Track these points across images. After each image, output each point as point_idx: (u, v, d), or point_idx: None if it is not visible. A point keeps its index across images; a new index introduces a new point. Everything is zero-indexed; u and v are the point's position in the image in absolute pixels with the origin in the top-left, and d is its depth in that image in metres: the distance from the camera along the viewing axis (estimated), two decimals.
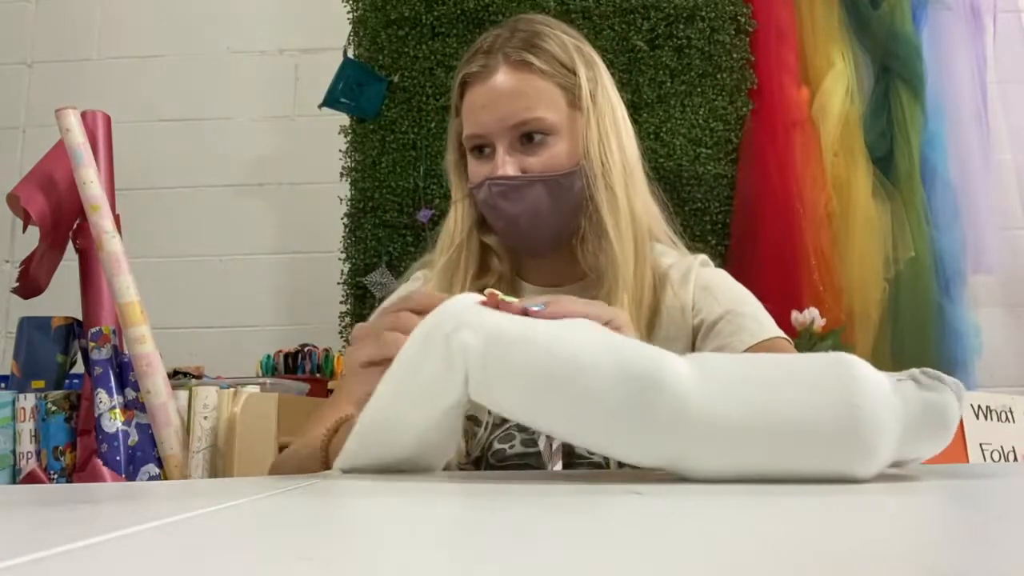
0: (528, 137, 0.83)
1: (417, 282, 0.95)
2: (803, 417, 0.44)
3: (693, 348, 0.85)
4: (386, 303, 0.95)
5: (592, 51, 0.89)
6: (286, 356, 1.76)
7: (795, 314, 1.55)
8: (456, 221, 0.90)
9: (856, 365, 0.45)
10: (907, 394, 0.45)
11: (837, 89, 1.87)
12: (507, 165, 0.83)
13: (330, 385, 1.67)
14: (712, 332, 0.84)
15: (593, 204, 0.83)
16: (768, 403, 0.44)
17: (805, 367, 0.46)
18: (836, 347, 1.48)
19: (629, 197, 0.85)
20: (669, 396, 0.44)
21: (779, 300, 1.67)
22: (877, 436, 0.43)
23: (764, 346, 0.81)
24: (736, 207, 1.78)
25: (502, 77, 0.83)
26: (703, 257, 0.92)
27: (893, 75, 1.89)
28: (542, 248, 0.87)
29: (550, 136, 0.83)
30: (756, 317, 0.84)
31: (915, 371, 0.47)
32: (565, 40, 0.87)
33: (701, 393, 0.44)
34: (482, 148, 0.85)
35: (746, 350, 0.80)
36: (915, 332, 1.76)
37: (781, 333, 0.84)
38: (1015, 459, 1.50)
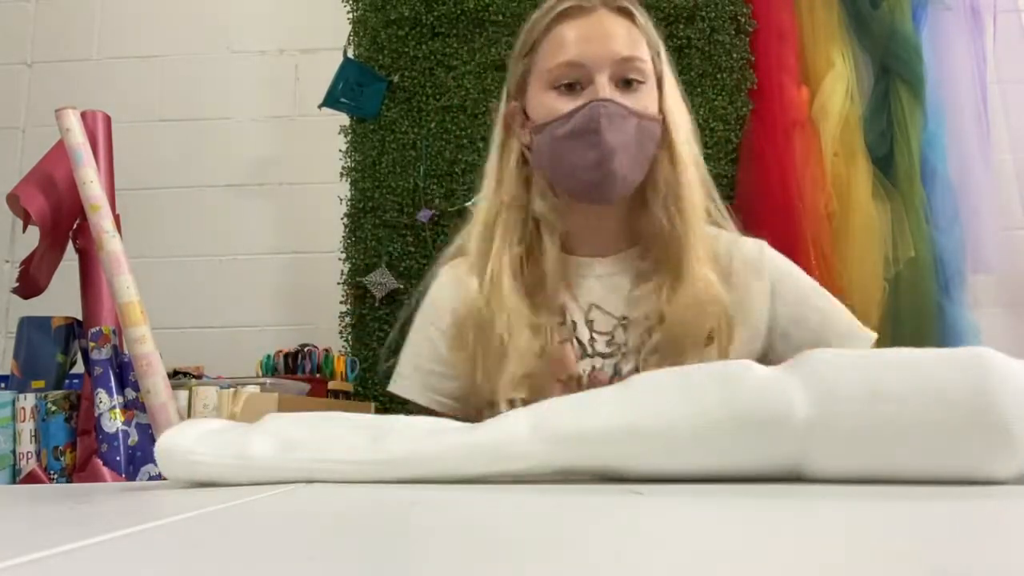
0: (626, 82, 0.83)
1: (449, 287, 0.92)
2: (932, 420, 0.41)
3: (771, 326, 0.88)
4: (426, 311, 0.93)
5: None
6: (286, 356, 1.76)
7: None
8: (491, 193, 0.89)
9: (990, 355, 0.42)
10: None
11: (837, 89, 1.87)
12: (608, 92, 0.81)
13: (331, 386, 1.67)
14: (797, 322, 0.88)
15: (668, 165, 0.85)
16: (897, 416, 0.41)
17: (932, 374, 0.42)
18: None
19: (699, 161, 0.88)
20: (789, 431, 0.43)
21: None
22: (1014, 427, 0.40)
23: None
24: (736, 207, 1.78)
25: (604, 16, 0.84)
26: (761, 241, 0.93)
27: (893, 75, 1.89)
28: (617, 192, 0.84)
29: (644, 84, 0.84)
30: (838, 310, 0.93)
31: None
32: (643, 10, 0.90)
33: (822, 419, 0.42)
34: (572, 84, 0.83)
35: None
36: (915, 332, 1.76)
37: (857, 324, 0.94)
38: None
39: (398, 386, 0.92)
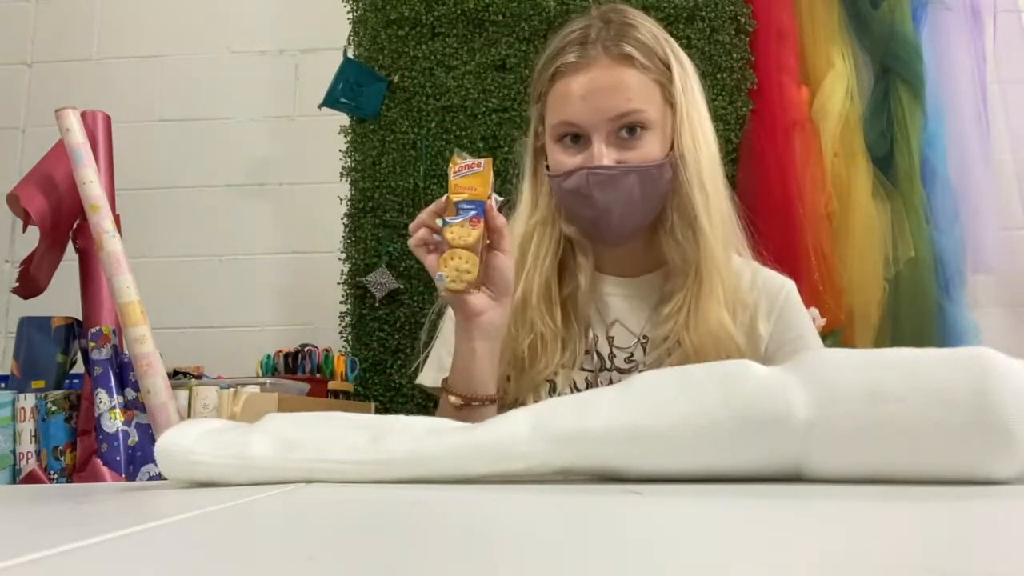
0: (628, 130, 0.84)
1: None
2: (932, 419, 0.41)
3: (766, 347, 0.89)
4: (442, 330, 0.97)
5: (677, 45, 0.90)
6: (286, 356, 1.76)
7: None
8: (528, 211, 0.92)
9: (990, 355, 0.42)
10: None
11: (837, 89, 1.87)
12: (604, 156, 0.83)
13: (331, 386, 1.67)
14: (781, 349, 0.87)
15: (685, 196, 0.85)
16: (897, 416, 0.41)
17: (933, 374, 0.42)
18: (836, 347, 1.48)
19: (717, 190, 0.87)
20: (789, 431, 0.43)
21: None
22: (1014, 426, 0.40)
23: None
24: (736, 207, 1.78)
25: (602, 69, 0.84)
26: (791, 281, 0.94)
27: (893, 75, 1.89)
28: (624, 238, 0.88)
29: (647, 131, 0.85)
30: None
31: None
32: (656, 32, 0.88)
33: (822, 419, 0.42)
34: (575, 137, 0.86)
35: None
36: (915, 332, 1.76)
37: None
38: None
39: (427, 378, 0.95)
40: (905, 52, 1.88)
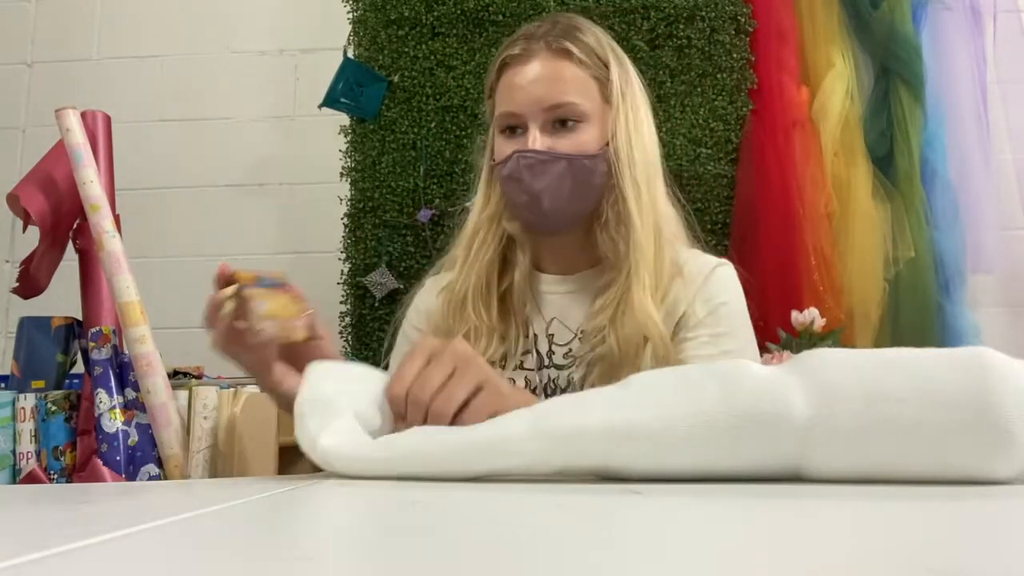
0: (561, 122, 0.88)
1: (428, 293, 1.00)
2: (932, 419, 0.41)
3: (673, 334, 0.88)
4: (409, 315, 1.00)
5: (623, 53, 0.95)
6: None
7: (795, 314, 1.55)
8: (480, 206, 0.96)
9: (990, 355, 0.42)
10: None
11: (837, 89, 1.87)
12: (537, 141, 0.87)
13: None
14: (690, 328, 0.87)
15: (618, 192, 0.88)
16: (897, 417, 0.41)
17: (933, 374, 0.42)
18: (836, 347, 1.48)
19: (651, 190, 0.89)
20: (788, 431, 0.43)
21: (779, 300, 1.67)
22: (1014, 426, 0.40)
23: None
24: (736, 207, 1.78)
25: (541, 61, 0.88)
26: (727, 263, 0.94)
27: (893, 75, 1.89)
28: (559, 226, 0.91)
29: (581, 123, 0.88)
30: (736, 338, 0.88)
31: None
32: (600, 36, 0.93)
33: (821, 418, 0.43)
34: (514, 128, 0.90)
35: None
36: (915, 332, 1.75)
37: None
38: None
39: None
40: (905, 52, 1.87)
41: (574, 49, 0.89)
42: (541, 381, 0.92)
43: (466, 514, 0.36)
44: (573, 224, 0.91)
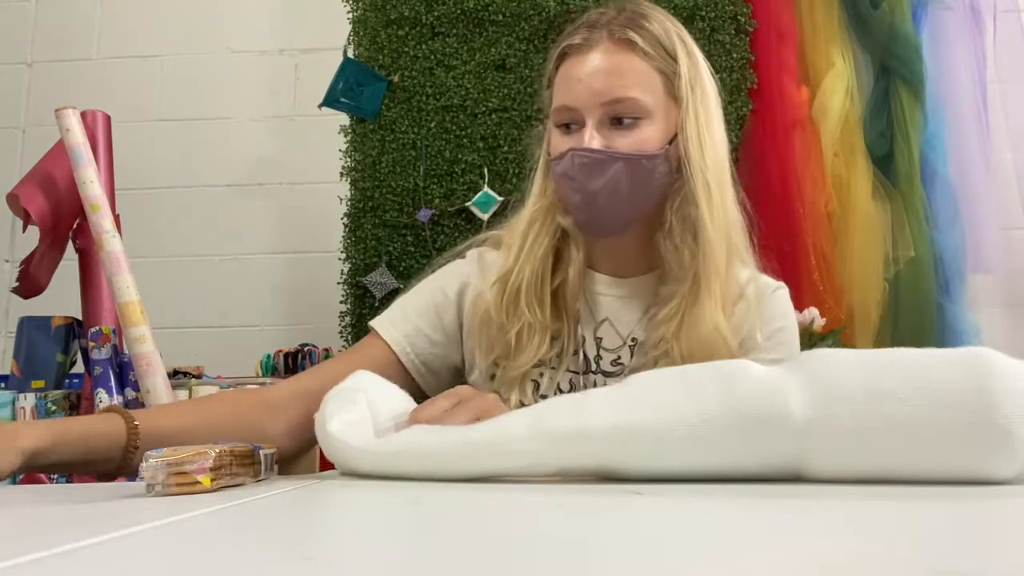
0: (620, 118, 0.82)
1: (474, 269, 0.92)
2: (932, 419, 0.41)
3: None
4: (434, 278, 0.92)
5: (694, 43, 0.88)
6: (286, 356, 1.76)
7: (795, 314, 1.55)
8: (537, 196, 0.90)
9: (990, 355, 0.42)
10: None
11: (837, 89, 1.87)
12: (594, 139, 0.82)
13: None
14: (748, 351, 0.84)
15: (686, 198, 0.83)
16: (896, 417, 0.41)
17: (932, 374, 0.42)
18: (836, 347, 1.48)
19: (723, 195, 0.84)
20: (787, 431, 0.43)
21: None
22: (1014, 426, 0.40)
23: None
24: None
25: (603, 52, 0.83)
26: (783, 286, 0.92)
27: (893, 75, 1.89)
28: (614, 229, 0.86)
29: (642, 120, 0.82)
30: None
31: None
32: (669, 26, 0.86)
33: (821, 418, 0.43)
34: (570, 123, 0.84)
35: None
36: (915, 332, 1.76)
37: None
38: None
39: (381, 324, 0.90)
40: (905, 52, 1.88)
41: (638, 40, 0.82)
42: (586, 386, 0.87)
43: (466, 514, 0.36)
44: (629, 228, 0.86)
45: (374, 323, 0.90)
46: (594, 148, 0.81)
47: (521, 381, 0.86)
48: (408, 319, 0.89)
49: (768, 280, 0.90)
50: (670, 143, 0.84)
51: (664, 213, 0.85)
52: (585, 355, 0.88)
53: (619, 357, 0.88)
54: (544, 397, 0.86)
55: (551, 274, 0.88)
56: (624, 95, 0.82)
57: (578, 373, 0.88)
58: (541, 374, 0.87)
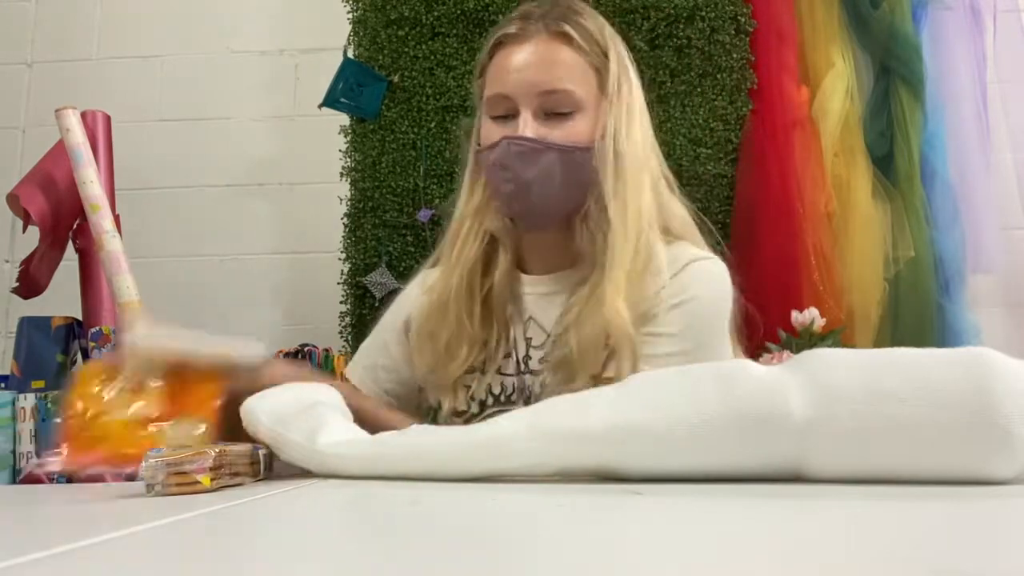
0: (556, 109, 0.83)
1: (416, 288, 0.97)
2: (932, 419, 0.41)
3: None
4: (390, 313, 0.99)
5: (622, 42, 0.90)
6: (286, 356, 1.76)
7: (795, 314, 1.55)
8: (465, 197, 0.91)
9: (990, 355, 0.42)
10: None
11: (837, 89, 1.87)
12: (528, 128, 0.82)
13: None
14: (652, 323, 0.81)
15: (602, 187, 0.83)
16: (896, 416, 0.41)
17: (932, 374, 0.42)
18: (836, 347, 1.48)
19: (638, 188, 0.84)
20: (787, 431, 0.43)
21: (779, 300, 1.67)
22: (1014, 426, 0.39)
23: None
24: (736, 207, 1.78)
25: (538, 43, 0.83)
26: (710, 257, 0.88)
27: (893, 75, 1.89)
28: (544, 221, 0.86)
29: (575, 112, 0.83)
30: (697, 337, 0.81)
31: None
32: (602, 24, 0.88)
33: (821, 418, 0.42)
34: (504, 113, 0.85)
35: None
36: (915, 332, 1.75)
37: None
38: None
39: (350, 371, 0.99)
40: (905, 52, 1.88)
41: (574, 33, 0.83)
42: (518, 387, 0.87)
43: (466, 514, 0.36)
44: (557, 219, 0.86)
45: (345, 371, 1.01)
46: (529, 137, 0.82)
47: (454, 388, 0.88)
48: (367, 359, 0.98)
49: (688, 252, 0.87)
50: (602, 137, 0.84)
51: (586, 201, 0.85)
52: (516, 356, 0.89)
53: (545, 354, 0.87)
54: (480, 402, 0.88)
55: (482, 279, 0.89)
56: (559, 86, 0.82)
57: (512, 375, 0.88)
58: (473, 377, 0.88)
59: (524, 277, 0.92)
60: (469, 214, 0.90)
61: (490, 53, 0.88)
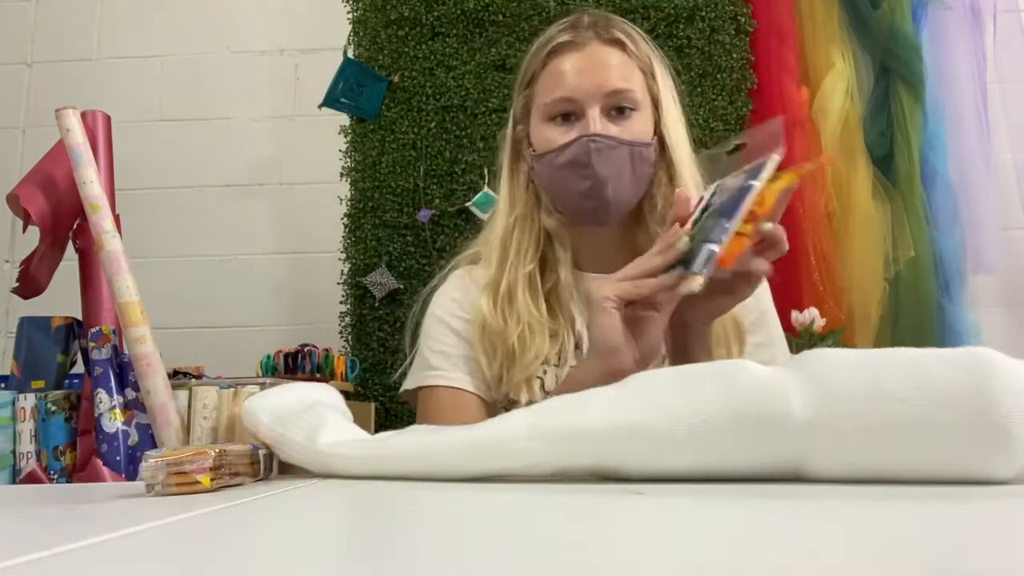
0: (618, 109, 0.87)
1: (463, 286, 0.94)
2: (932, 419, 0.41)
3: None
4: (435, 311, 0.95)
5: (658, 49, 0.96)
6: (286, 356, 1.76)
7: (795, 314, 1.55)
8: (506, 211, 0.93)
9: (990, 355, 0.42)
10: None
11: (837, 89, 1.87)
12: (599, 126, 0.85)
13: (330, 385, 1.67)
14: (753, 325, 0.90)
15: (669, 177, 0.89)
16: (896, 416, 0.41)
17: (932, 373, 0.42)
18: (836, 347, 1.48)
19: (688, 181, 0.90)
20: (787, 431, 0.43)
21: (779, 300, 1.66)
22: (1014, 426, 0.39)
23: None
24: None
25: (595, 48, 0.88)
26: None
27: (893, 75, 1.89)
28: (615, 215, 0.89)
29: (636, 111, 0.88)
30: (780, 346, 0.94)
31: None
32: (642, 33, 0.94)
33: (821, 418, 0.43)
34: (567, 115, 0.88)
35: None
36: (915, 332, 1.76)
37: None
38: None
39: (434, 379, 0.91)
40: (905, 52, 1.88)
41: (625, 39, 0.89)
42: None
43: (466, 514, 0.36)
44: (624, 215, 0.90)
45: (423, 382, 0.91)
46: (606, 133, 0.85)
47: (528, 381, 0.88)
48: (449, 357, 0.91)
49: None
50: (656, 134, 0.90)
51: (654, 199, 0.90)
52: (584, 349, 0.89)
53: None
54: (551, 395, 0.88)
55: (542, 280, 0.91)
56: (623, 86, 0.87)
57: None
58: (545, 372, 0.89)
59: (585, 275, 0.94)
60: (517, 221, 0.92)
61: (543, 62, 0.91)
